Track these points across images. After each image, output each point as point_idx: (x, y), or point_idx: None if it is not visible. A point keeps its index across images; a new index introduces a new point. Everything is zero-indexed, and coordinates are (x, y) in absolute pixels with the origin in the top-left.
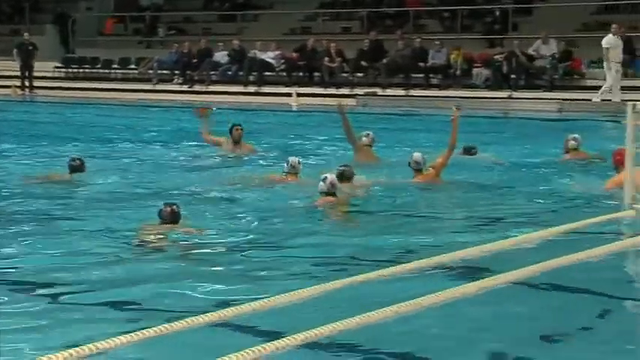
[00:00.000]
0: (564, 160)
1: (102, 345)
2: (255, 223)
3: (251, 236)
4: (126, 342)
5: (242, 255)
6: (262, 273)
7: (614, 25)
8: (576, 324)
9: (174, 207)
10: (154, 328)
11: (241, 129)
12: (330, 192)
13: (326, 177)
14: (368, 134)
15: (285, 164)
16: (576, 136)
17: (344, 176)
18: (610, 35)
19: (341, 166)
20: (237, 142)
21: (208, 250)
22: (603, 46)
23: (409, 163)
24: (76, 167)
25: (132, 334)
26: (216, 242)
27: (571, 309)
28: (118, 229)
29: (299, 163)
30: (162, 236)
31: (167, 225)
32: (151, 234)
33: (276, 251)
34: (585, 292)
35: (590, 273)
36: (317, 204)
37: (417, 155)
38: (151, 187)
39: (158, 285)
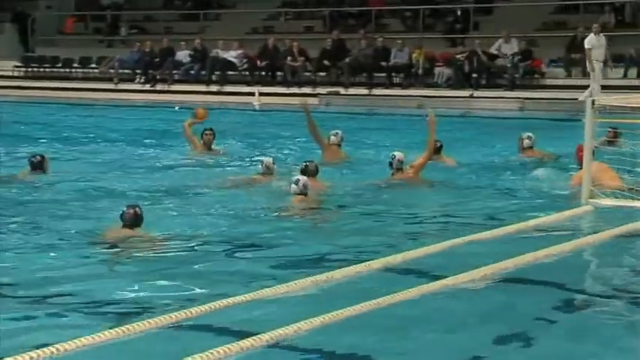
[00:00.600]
0: (520, 158)
1: (66, 346)
2: (227, 223)
3: (224, 237)
4: (88, 343)
5: (213, 255)
6: (231, 273)
7: (595, 25)
8: (536, 320)
9: (137, 209)
10: (116, 329)
11: (212, 133)
12: (303, 193)
13: (298, 179)
14: (337, 133)
15: (260, 165)
16: (530, 134)
17: (308, 172)
18: (592, 35)
19: (305, 162)
20: (207, 146)
21: (174, 253)
22: (585, 46)
23: (390, 162)
24: (37, 164)
25: (94, 335)
26: (183, 244)
27: (529, 305)
28: (78, 229)
29: (273, 163)
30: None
31: (126, 230)
32: (111, 238)
33: (249, 251)
34: (544, 289)
35: (548, 270)
36: (291, 204)
37: (399, 154)
38: (116, 188)
39: (118, 286)
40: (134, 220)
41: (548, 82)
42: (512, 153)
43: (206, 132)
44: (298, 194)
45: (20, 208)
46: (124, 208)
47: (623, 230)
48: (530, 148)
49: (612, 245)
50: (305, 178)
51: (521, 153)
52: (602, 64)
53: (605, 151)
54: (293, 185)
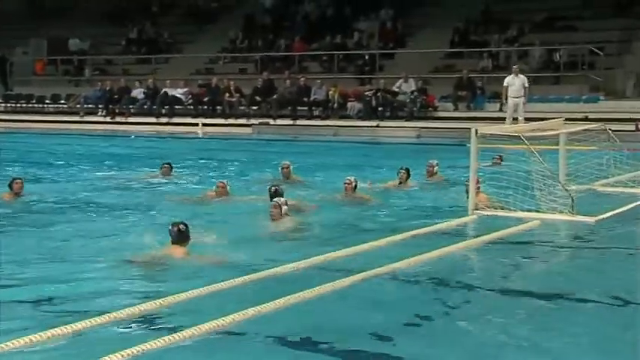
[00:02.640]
0: (428, 181)
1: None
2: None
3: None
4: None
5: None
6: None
7: (514, 67)
8: (431, 313)
9: (181, 226)
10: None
11: (169, 167)
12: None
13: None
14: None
15: (215, 187)
16: (436, 162)
17: (277, 194)
18: (511, 76)
19: (273, 186)
20: (166, 176)
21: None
22: (504, 84)
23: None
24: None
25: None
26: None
27: (427, 300)
28: (52, 241)
29: (227, 184)
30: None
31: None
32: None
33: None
34: (439, 285)
35: (444, 268)
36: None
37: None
38: (84, 204)
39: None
40: (179, 237)
41: (440, 114)
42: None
43: (164, 165)
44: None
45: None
46: (169, 226)
47: (501, 234)
48: (435, 173)
49: (492, 247)
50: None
51: (430, 177)
52: (519, 99)
53: (490, 170)
54: (284, 207)
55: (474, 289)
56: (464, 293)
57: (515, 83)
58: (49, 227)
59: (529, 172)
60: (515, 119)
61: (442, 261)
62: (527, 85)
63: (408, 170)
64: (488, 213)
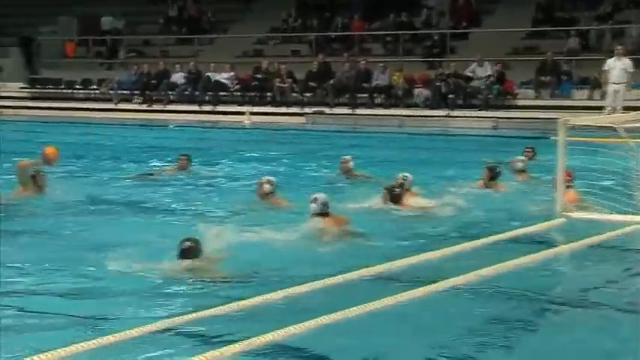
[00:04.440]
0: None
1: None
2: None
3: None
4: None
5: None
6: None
7: (617, 47)
8: (512, 326)
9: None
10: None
11: (187, 158)
12: (324, 212)
13: (316, 198)
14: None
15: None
16: (522, 157)
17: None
18: (612, 58)
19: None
20: (183, 170)
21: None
22: (604, 68)
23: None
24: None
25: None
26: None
27: (508, 312)
28: (77, 240)
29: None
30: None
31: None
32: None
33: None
34: (521, 296)
35: (526, 277)
36: (318, 226)
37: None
38: (115, 200)
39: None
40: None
41: (520, 102)
42: None
43: (181, 157)
44: (318, 214)
45: (26, 222)
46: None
47: (592, 241)
48: (524, 171)
49: (583, 254)
50: (322, 195)
51: (515, 175)
52: (620, 85)
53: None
54: (312, 205)
55: (559, 303)
56: (549, 306)
57: (616, 67)
58: (70, 227)
59: (627, 169)
60: (613, 109)
61: (524, 270)
62: (631, 70)
63: (492, 169)
64: (579, 216)
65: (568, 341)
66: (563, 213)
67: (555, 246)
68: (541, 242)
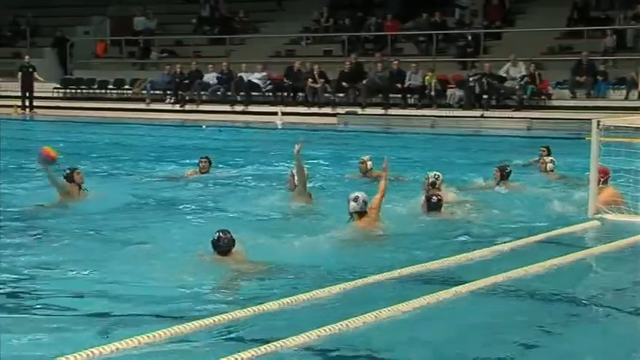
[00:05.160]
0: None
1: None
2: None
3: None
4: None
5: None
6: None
7: None
8: (544, 329)
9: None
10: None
11: (207, 161)
12: (364, 210)
13: (357, 196)
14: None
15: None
16: (550, 158)
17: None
18: None
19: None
20: (203, 173)
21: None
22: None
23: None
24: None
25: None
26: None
27: (540, 314)
28: (114, 240)
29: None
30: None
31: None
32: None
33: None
34: (554, 298)
35: (558, 280)
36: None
37: (363, 195)
38: (148, 201)
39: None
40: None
41: (555, 103)
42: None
43: (202, 160)
44: (358, 213)
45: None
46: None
47: (627, 243)
48: (552, 170)
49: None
50: (364, 194)
51: (544, 173)
52: None
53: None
54: (352, 203)
55: (590, 306)
56: (582, 310)
57: None
58: (106, 229)
59: None
60: None
61: (556, 273)
62: None
63: (503, 168)
64: (614, 217)
65: (600, 344)
66: (597, 215)
67: (588, 248)
68: (572, 245)
